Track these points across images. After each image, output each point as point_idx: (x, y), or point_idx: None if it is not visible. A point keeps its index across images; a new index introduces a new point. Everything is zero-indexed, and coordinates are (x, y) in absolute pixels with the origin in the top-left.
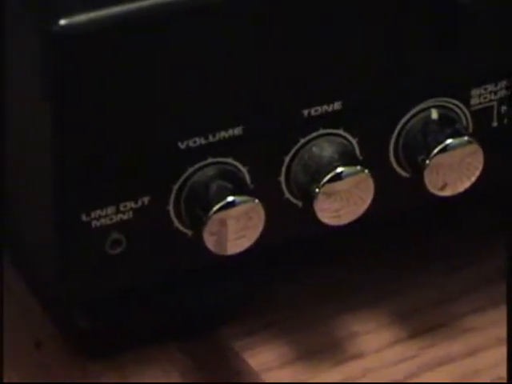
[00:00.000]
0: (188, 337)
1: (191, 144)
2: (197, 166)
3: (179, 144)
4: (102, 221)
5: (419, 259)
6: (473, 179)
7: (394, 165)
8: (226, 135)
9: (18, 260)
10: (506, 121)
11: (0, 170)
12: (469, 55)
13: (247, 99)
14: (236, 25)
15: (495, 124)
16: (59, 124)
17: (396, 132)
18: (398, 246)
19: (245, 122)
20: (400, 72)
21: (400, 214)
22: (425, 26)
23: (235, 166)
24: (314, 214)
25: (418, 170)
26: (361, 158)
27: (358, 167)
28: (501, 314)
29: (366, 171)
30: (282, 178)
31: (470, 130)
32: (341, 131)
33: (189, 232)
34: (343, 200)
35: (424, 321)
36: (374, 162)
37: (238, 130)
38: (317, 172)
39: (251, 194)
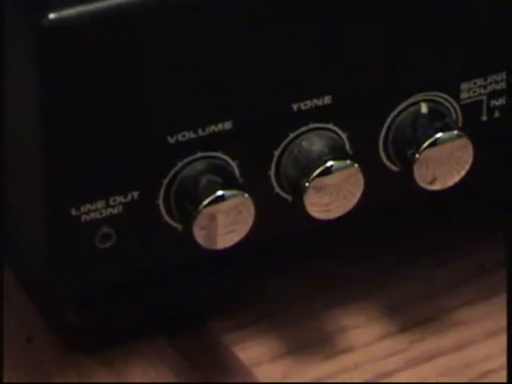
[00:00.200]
0: (178, 331)
1: (181, 138)
2: (186, 160)
3: (169, 138)
4: (92, 215)
5: (409, 253)
6: (462, 173)
7: (384, 159)
8: (216, 129)
9: (10, 256)
10: (497, 114)
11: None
12: (458, 49)
13: (237, 93)
14: (227, 20)
15: (485, 118)
16: (49, 119)
17: (386, 126)
18: (387, 239)
19: (234, 116)
20: (389, 66)
21: (390, 208)
22: (414, 21)
23: (225, 161)
24: (303, 208)
25: (407, 164)
26: (350, 152)
27: (348, 161)
28: (490, 307)
29: (356, 165)
30: (272, 172)
31: (460, 124)
32: (330, 125)
33: (178, 226)
34: (333, 194)
35: (414, 314)
36: (363, 156)
37: (227, 124)
38: (306, 166)
39: (241, 188)
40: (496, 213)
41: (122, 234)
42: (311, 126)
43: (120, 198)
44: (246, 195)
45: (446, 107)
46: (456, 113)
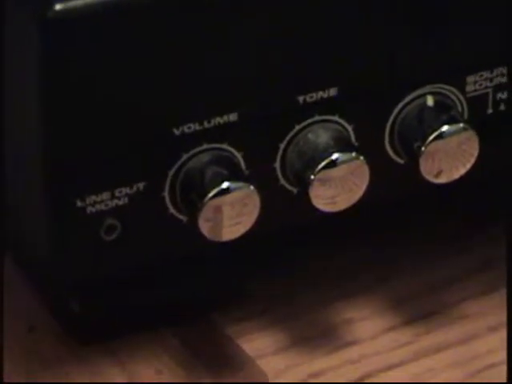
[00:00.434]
0: (182, 322)
1: (186, 130)
2: (192, 152)
3: (174, 130)
4: (97, 206)
5: (413, 246)
6: (468, 166)
7: (390, 151)
8: (222, 121)
9: (12, 246)
10: (503, 107)
11: (1, 167)
12: (464, 42)
13: (242, 85)
14: (231, 11)
15: (490, 111)
16: (54, 111)
17: (391, 118)
18: (392, 232)
19: (240, 108)
20: (395, 58)
21: (395, 200)
22: (420, 13)
23: (230, 152)
24: (309, 200)
25: (413, 156)
26: (356, 144)
27: (354, 154)
28: (494, 301)
29: (362, 158)
30: (277, 165)
31: (466, 116)
32: (336, 118)
33: (184, 218)
34: (338, 187)
35: (418, 308)
36: (369, 148)
37: (233, 116)
38: (312, 158)
39: (246, 180)
40: (498, 206)
41: (127, 225)
42: (317, 118)
43: (125, 190)
44: (252, 187)
45: (452, 100)
46: (462, 105)
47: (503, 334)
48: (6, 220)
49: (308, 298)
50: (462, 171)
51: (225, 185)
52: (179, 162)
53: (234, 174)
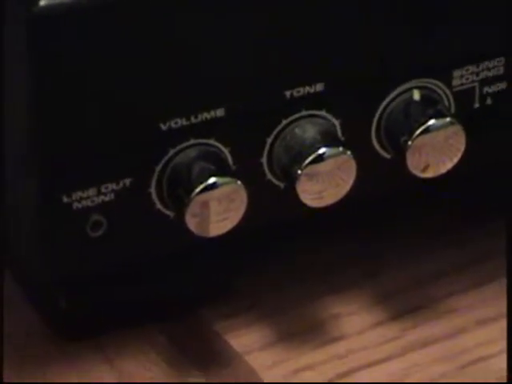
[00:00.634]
0: (169, 319)
1: (173, 125)
2: (179, 147)
3: (161, 125)
4: (84, 202)
5: (400, 241)
6: (455, 160)
7: (376, 146)
8: (208, 116)
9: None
10: (489, 101)
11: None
12: (450, 36)
13: (229, 80)
14: (217, 6)
15: (477, 105)
16: (41, 107)
17: (378, 113)
18: (379, 227)
19: (227, 103)
20: (382, 53)
21: (382, 195)
22: (406, 8)
23: (217, 148)
24: (296, 195)
25: (400, 151)
26: (343, 139)
27: (341, 148)
28: (482, 295)
29: (349, 152)
30: (264, 160)
31: (452, 110)
32: (323, 112)
33: (171, 214)
34: (325, 181)
35: (405, 302)
36: (356, 143)
37: (220, 111)
38: (299, 153)
39: (233, 175)
40: (485, 201)
41: (113, 221)
42: (304, 113)
43: (112, 186)
44: (239, 182)
45: (439, 94)
46: (448, 100)
47: (491, 328)
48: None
49: (295, 293)
50: (449, 165)
51: (212, 180)
52: (166, 158)
53: (221, 170)
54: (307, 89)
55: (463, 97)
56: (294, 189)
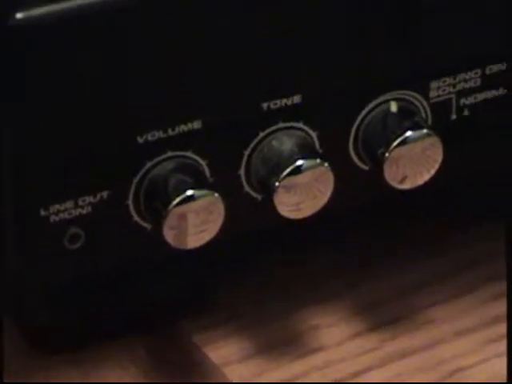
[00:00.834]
0: (148, 331)
1: (150, 138)
2: (156, 159)
3: (138, 138)
4: (61, 215)
5: (379, 252)
6: (432, 172)
7: (354, 158)
8: (185, 129)
9: None
10: (466, 112)
11: None
12: (427, 48)
13: (206, 92)
14: (193, 19)
15: (454, 116)
16: (18, 119)
17: (355, 125)
18: (357, 238)
19: (204, 115)
20: (359, 65)
21: (360, 206)
22: (382, 20)
23: (195, 160)
24: (273, 207)
25: (377, 162)
26: (320, 151)
27: (318, 160)
28: (461, 305)
29: (326, 164)
30: (242, 172)
31: (430, 122)
32: (300, 124)
33: (148, 226)
34: (303, 193)
35: (384, 313)
36: (333, 155)
37: (197, 124)
38: (276, 165)
39: (211, 187)
40: (465, 211)
41: (91, 234)
42: (281, 125)
43: (89, 198)
44: (216, 195)
45: (416, 106)
46: (425, 111)
47: (470, 338)
48: None
49: (274, 304)
50: (427, 177)
51: (189, 192)
52: (143, 170)
53: (199, 182)
54: (284, 101)
55: (440, 108)
56: (271, 201)
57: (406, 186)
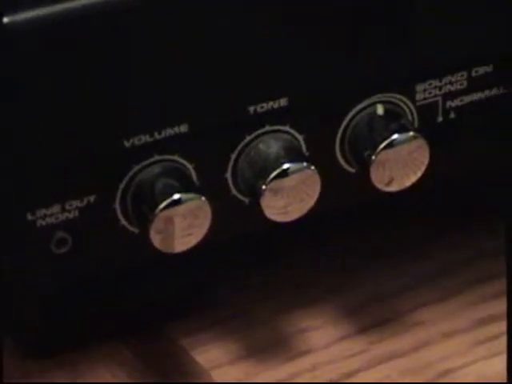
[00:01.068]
0: (135, 334)
1: (136, 142)
2: (143, 163)
3: (125, 142)
4: (48, 220)
5: (366, 254)
6: (419, 174)
7: (341, 161)
8: (172, 132)
9: None
10: (453, 115)
11: None
12: (413, 51)
13: (193, 96)
14: (180, 23)
15: (440, 119)
16: (4, 122)
17: (342, 128)
18: (343, 241)
19: (190, 118)
20: (345, 68)
21: (347, 209)
22: (369, 22)
23: (181, 164)
24: (260, 210)
25: (364, 165)
26: (307, 154)
27: (305, 163)
28: (448, 307)
29: (313, 167)
30: (229, 175)
31: (416, 125)
32: (287, 128)
33: (135, 230)
34: (290, 196)
35: (372, 316)
36: (320, 158)
37: (183, 127)
38: (263, 169)
39: (197, 191)
40: (450, 214)
41: (78, 238)
42: (267, 128)
43: (76, 203)
44: (203, 198)
45: (402, 108)
46: (412, 114)
47: (457, 340)
48: None
49: (261, 307)
50: (413, 179)
51: (176, 196)
52: (130, 174)
53: (185, 186)
54: (271, 104)
55: (426, 111)
56: (258, 204)
57: (393, 188)
